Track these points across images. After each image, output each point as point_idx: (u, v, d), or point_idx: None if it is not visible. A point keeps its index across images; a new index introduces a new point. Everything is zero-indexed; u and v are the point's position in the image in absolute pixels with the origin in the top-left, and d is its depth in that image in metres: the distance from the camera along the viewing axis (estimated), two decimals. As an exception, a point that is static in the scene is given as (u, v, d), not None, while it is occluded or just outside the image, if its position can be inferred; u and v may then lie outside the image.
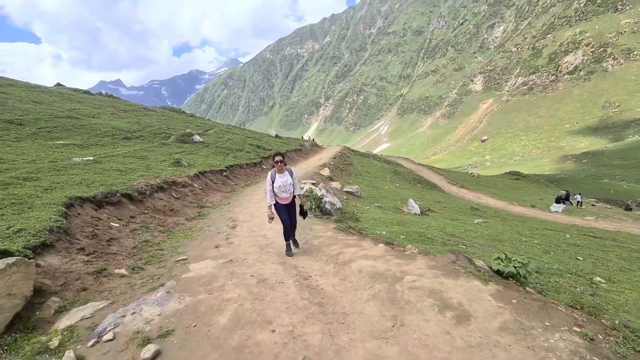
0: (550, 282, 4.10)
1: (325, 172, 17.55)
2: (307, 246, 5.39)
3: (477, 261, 3.71)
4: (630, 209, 28.27)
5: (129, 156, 13.01)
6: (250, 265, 4.24)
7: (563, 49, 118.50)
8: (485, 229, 10.75)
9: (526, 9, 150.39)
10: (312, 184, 10.05)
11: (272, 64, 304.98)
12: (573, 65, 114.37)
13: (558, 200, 27.05)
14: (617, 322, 2.50)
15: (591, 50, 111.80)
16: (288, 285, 3.49)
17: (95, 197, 6.43)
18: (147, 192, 8.18)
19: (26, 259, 3.02)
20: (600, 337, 2.28)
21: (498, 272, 3.36)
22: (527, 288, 3.14)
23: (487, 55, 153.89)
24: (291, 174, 5.17)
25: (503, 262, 3.38)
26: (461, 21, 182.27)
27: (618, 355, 2.12)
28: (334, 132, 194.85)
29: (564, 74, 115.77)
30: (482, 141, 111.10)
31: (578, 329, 2.32)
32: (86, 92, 34.50)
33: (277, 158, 5.10)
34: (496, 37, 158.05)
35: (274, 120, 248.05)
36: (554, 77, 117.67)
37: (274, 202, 5.02)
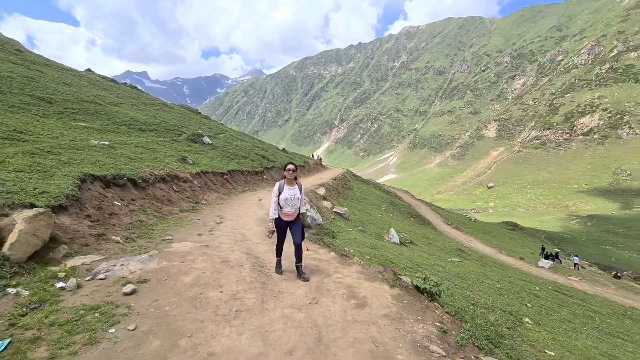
0: (470, 308, 4.82)
1: (321, 191, 18.37)
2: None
3: (404, 277, 4.47)
4: (619, 277, 28.39)
5: (140, 146, 14.00)
6: (221, 251, 5.08)
7: (580, 110, 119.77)
8: (455, 267, 11.37)
9: (548, 67, 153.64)
10: (302, 198, 10.91)
11: (294, 80, 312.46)
12: (588, 127, 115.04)
13: (547, 257, 27.40)
14: (469, 324, 3.24)
15: (608, 115, 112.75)
16: (245, 267, 4.36)
17: (105, 177, 7.34)
18: (151, 180, 9.08)
19: (50, 212, 3.89)
20: (454, 332, 3.04)
21: (417, 287, 4.11)
22: (435, 302, 3.89)
23: (504, 105, 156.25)
24: (300, 189, 4.79)
25: (423, 280, 4.13)
26: (483, 68, 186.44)
27: (458, 344, 2.88)
28: (344, 154, 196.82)
29: (578, 134, 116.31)
30: (489, 187, 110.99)
31: (439, 324, 3.10)
32: (113, 80, 36.34)
33: (290, 167, 4.68)
34: (515, 89, 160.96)
35: (287, 133, 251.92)
36: (567, 135, 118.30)
37: (277, 215, 4.64)
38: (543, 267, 24.16)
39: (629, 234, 60.42)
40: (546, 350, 4.53)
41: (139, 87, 40.55)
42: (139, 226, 5.85)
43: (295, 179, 4.76)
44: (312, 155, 48.29)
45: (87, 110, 16.92)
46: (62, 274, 3.56)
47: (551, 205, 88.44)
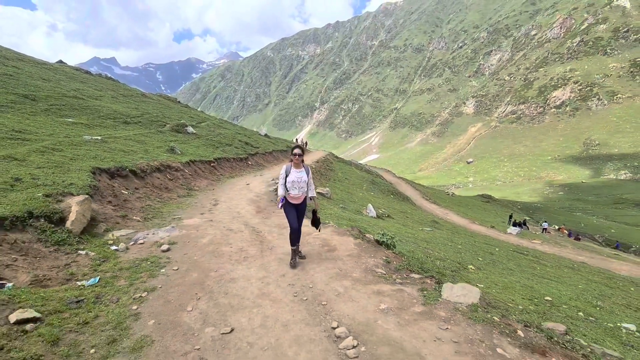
0: (421, 257, 6.20)
1: (304, 173, 19.52)
2: (266, 215, 7.42)
3: (368, 234, 5.81)
4: (579, 239, 31.23)
5: (129, 139, 14.71)
6: (224, 223, 6.37)
7: (553, 83, 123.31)
8: (425, 234, 12.90)
9: (523, 41, 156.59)
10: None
11: (272, 63, 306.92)
12: (560, 100, 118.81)
13: (515, 224, 29.79)
14: (405, 257, 4.63)
15: (579, 88, 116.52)
16: (245, 232, 5.67)
17: (110, 169, 8.27)
18: (148, 171, 10.03)
19: (89, 198, 4.94)
20: (394, 262, 4.41)
21: (377, 241, 5.44)
22: (392, 250, 5.26)
23: (481, 81, 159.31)
24: (307, 172, 4.78)
25: (381, 235, 5.46)
26: (460, 44, 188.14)
27: (396, 267, 4.24)
28: (326, 137, 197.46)
29: (551, 108, 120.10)
30: (468, 163, 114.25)
31: (385, 258, 4.47)
32: (87, 72, 35.77)
33: (296, 151, 4.69)
34: (491, 65, 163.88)
35: (268, 118, 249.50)
36: (541, 109, 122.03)
37: (284, 194, 4.66)
38: (511, 233, 26.39)
39: (597, 201, 64.46)
40: (478, 284, 5.96)
41: (108, 74, 40.25)
42: (149, 209, 6.91)
43: (302, 161, 4.75)
44: (296, 140, 49.02)
45: (71, 106, 17.29)
46: (111, 241, 4.73)
47: (527, 177, 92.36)
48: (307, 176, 4.72)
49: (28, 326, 2.46)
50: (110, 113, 19.00)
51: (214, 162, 16.22)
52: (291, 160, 4.78)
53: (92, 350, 2.47)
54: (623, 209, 59.59)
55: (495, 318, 3.09)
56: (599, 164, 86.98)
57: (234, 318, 3.13)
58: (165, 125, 20.94)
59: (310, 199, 4.86)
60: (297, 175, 4.62)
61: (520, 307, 4.91)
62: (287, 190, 4.66)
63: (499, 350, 2.57)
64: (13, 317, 2.49)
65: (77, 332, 2.62)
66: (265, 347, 2.75)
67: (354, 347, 2.70)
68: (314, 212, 4.89)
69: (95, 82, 28.59)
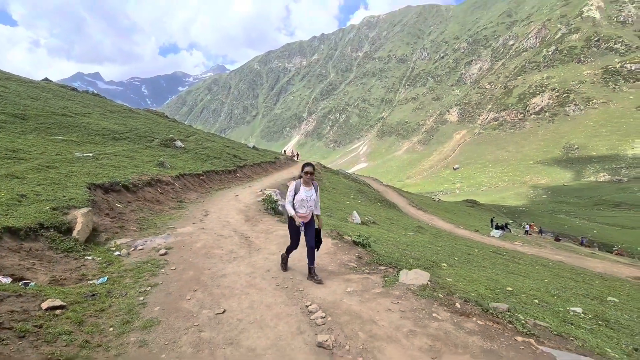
0: (398, 256, 6.86)
1: (292, 184, 20.10)
2: (254, 223, 8.02)
3: (346, 236, 6.48)
4: (559, 240, 32.52)
5: (119, 155, 15.11)
6: (215, 230, 6.95)
7: (531, 90, 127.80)
8: (407, 238, 13.60)
9: (501, 51, 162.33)
10: (273, 191, 12.64)
11: (259, 75, 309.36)
12: (539, 107, 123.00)
13: (497, 227, 30.89)
14: (376, 253, 5.32)
15: (556, 94, 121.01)
16: (234, 238, 6.29)
17: (104, 185, 8.75)
18: (139, 185, 10.50)
19: (92, 210, 5.47)
20: (366, 257, 5.09)
21: (354, 242, 6.10)
22: (366, 248, 5.93)
23: (464, 90, 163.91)
24: (316, 189, 4.63)
25: (358, 237, 6.13)
26: (442, 55, 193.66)
27: (366, 262, 4.91)
28: (314, 147, 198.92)
29: (531, 114, 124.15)
30: (454, 169, 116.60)
31: (357, 254, 5.14)
32: (73, 89, 35.96)
33: (308, 169, 4.49)
34: (473, 74, 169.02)
35: (256, 129, 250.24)
36: (522, 115, 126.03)
37: (294, 212, 4.50)
38: (494, 236, 27.38)
39: (579, 203, 66.58)
40: (447, 278, 6.64)
41: (92, 90, 40.45)
42: (144, 221, 7.42)
43: (312, 179, 4.55)
44: (284, 151, 49.75)
45: (60, 124, 17.62)
46: (113, 248, 5.24)
47: (511, 182, 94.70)
48: (316, 194, 4.60)
49: (57, 312, 3.00)
50: (99, 130, 19.34)
51: (203, 175, 16.68)
52: (300, 177, 4.60)
53: (111, 329, 3.02)
54: (603, 210, 61.65)
55: (440, 295, 3.76)
56: (579, 167, 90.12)
57: (226, 303, 3.74)
58: (153, 140, 21.33)
59: (316, 217, 4.72)
60: (307, 193, 4.48)
61: (479, 294, 5.59)
62: (294, 209, 4.51)
63: (434, 314, 3.26)
64: (45, 305, 3.01)
65: (96, 316, 3.17)
66: (251, 321, 3.38)
67: (322, 317, 3.37)
68: (317, 231, 4.67)
69: (82, 99, 28.85)
